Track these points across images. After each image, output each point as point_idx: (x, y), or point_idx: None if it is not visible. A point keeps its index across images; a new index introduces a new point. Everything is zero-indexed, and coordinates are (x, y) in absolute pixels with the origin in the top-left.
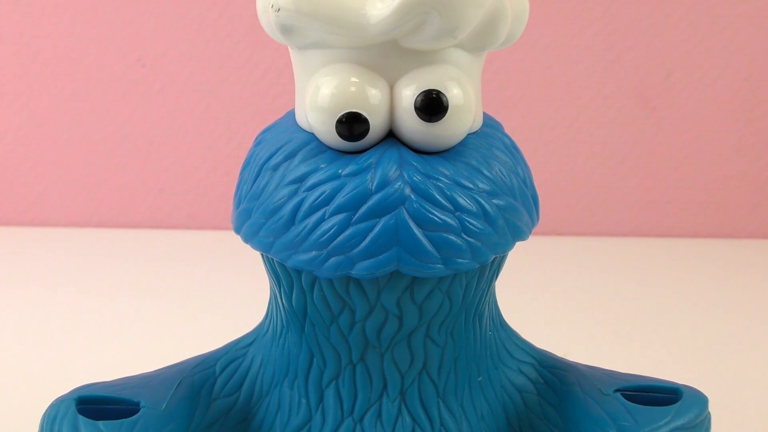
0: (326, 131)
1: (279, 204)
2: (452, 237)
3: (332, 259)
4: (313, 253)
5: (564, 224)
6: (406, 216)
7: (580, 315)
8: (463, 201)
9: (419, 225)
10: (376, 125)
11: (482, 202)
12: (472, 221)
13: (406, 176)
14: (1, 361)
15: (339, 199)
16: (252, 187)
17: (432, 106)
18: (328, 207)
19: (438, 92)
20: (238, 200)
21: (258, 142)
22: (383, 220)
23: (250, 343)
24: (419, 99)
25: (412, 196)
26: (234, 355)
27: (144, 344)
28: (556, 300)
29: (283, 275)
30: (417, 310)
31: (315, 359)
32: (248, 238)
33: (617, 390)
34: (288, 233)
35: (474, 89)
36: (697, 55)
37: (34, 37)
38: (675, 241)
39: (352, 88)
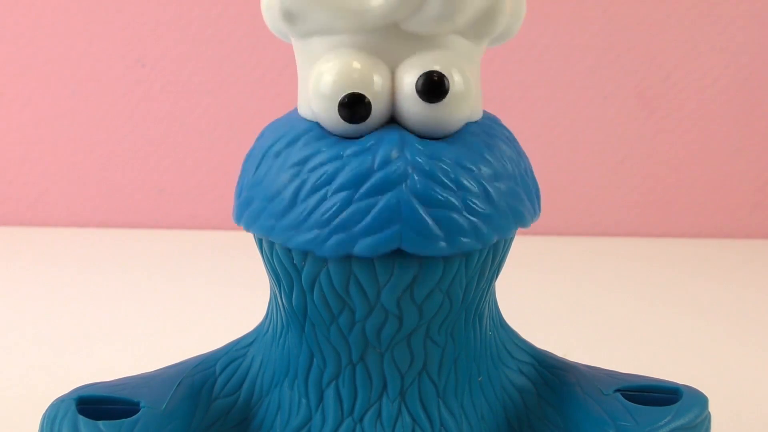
0: (329, 116)
1: (280, 187)
2: (455, 215)
3: (334, 237)
4: (315, 232)
5: (564, 224)
6: (409, 193)
7: (580, 315)
8: (465, 181)
9: (422, 202)
10: (378, 110)
11: (484, 183)
12: (475, 201)
13: (408, 155)
14: (1, 361)
15: (341, 178)
16: (254, 175)
17: (433, 87)
18: (330, 186)
19: (439, 74)
20: (240, 190)
21: (261, 135)
22: (385, 197)
23: (250, 343)
24: (420, 81)
25: (415, 174)
26: (234, 355)
27: (144, 344)
28: (556, 300)
29: (283, 275)
30: (417, 310)
31: (315, 359)
32: (249, 224)
33: (617, 390)
34: (289, 214)
35: (474, 77)
36: (697, 55)
37: (34, 37)
38: (675, 241)
39: (354, 74)
